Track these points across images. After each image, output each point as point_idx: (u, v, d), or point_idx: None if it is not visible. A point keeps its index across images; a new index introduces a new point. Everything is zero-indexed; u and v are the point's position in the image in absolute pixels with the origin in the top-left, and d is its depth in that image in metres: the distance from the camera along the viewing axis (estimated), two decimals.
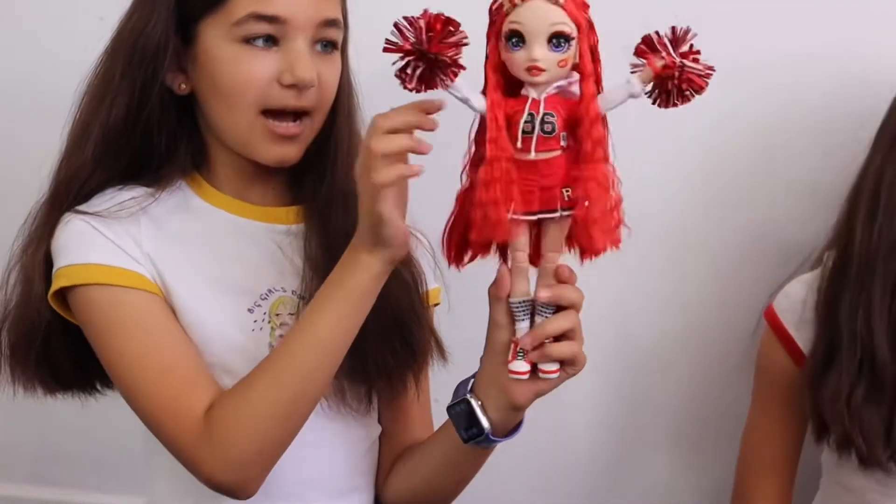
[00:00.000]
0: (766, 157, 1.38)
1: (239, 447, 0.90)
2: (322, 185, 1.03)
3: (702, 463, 1.45)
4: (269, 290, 1.02)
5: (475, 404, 0.96)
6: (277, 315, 1.02)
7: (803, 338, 1.22)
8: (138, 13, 0.99)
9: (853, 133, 1.25)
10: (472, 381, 0.98)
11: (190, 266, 0.99)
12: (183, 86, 1.00)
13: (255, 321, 1.01)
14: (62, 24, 1.44)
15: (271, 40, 0.96)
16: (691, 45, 0.86)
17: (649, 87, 0.87)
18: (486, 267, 0.93)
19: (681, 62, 0.85)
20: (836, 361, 1.15)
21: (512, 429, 0.99)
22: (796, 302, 1.23)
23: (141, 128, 0.98)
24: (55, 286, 0.96)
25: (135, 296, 0.95)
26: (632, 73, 0.87)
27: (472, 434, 0.97)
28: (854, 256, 1.15)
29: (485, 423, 0.96)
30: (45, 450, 1.56)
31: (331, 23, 0.99)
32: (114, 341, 0.95)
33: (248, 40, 0.96)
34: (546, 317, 0.91)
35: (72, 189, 0.99)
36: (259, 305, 1.01)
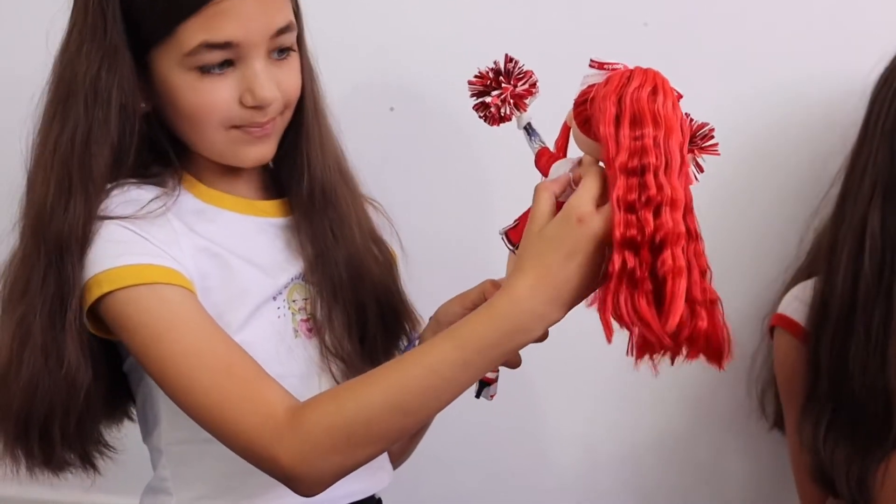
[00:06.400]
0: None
1: (326, 455, 0.88)
2: (301, 184, 1.05)
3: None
4: (288, 279, 1.04)
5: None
6: (294, 301, 1.04)
7: None
8: (87, 49, 0.96)
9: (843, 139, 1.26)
10: (418, 340, 1.08)
11: (218, 263, 1.00)
12: (143, 105, 0.99)
13: (279, 308, 1.03)
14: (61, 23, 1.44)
15: (227, 63, 0.96)
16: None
17: None
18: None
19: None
20: (816, 397, 1.19)
21: None
22: (807, 303, 1.24)
23: (132, 157, 0.98)
24: (92, 296, 0.93)
25: (180, 293, 0.94)
26: None
27: None
28: (836, 297, 1.17)
29: None
30: None
31: (283, 30, 0.98)
32: (169, 342, 0.92)
33: (204, 69, 0.95)
34: None
35: (80, 237, 0.95)
36: (280, 293, 1.04)
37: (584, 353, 1.32)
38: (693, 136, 0.87)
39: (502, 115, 0.93)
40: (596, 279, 0.84)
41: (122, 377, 1.05)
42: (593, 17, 1.37)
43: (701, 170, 0.88)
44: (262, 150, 1.01)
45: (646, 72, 0.84)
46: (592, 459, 1.48)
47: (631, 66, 0.86)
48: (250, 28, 0.95)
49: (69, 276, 0.94)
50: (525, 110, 0.94)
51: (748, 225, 1.40)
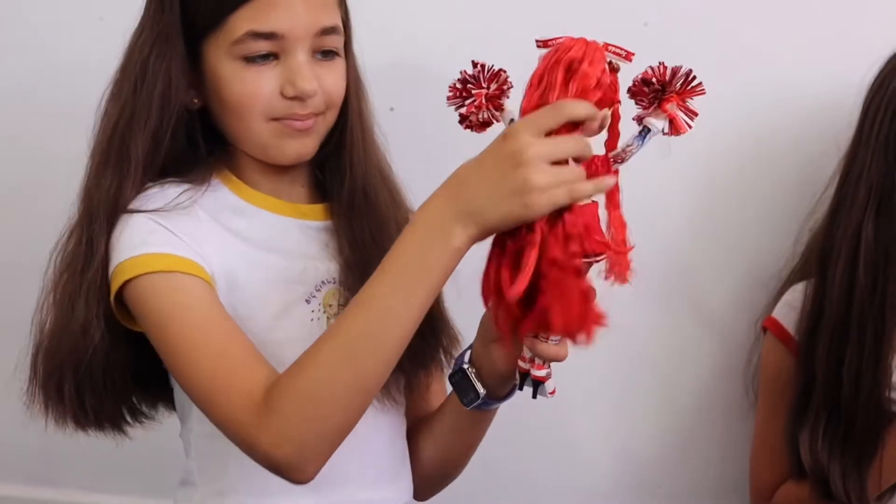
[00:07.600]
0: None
1: (297, 426, 0.87)
2: (343, 185, 1.07)
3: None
4: (322, 282, 1.05)
5: (470, 373, 1.04)
6: (330, 306, 1.06)
7: None
8: (144, 35, 1.02)
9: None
10: (469, 351, 1.05)
11: (248, 260, 1.02)
12: (196, 101, 1.04)
13: (313, 311, 1.05)
14: (61, 23, 1.45)
15: (271, 55, 1.00)
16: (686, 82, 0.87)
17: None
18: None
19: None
20: (811, 404, 1.20)
21: (509, 392, 1.05)
22: (798, 309, 1.25)
23: (167, 142, 1.02)
24: (116, 284, 0.97)
25: (193, 282, 0.97)
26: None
27: (470, 399, 1.04)
28: (831, 306, 1.19)
29: (480, 389, 1.03)
30: (45, 450, 1.56)
31: (329, 30, 1.02)
32: (174, 326, 0.95)
33: (249, 58, 1.00)
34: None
35: (108, 207, 1.00)
36: (314, 296, 1.05)
37: (585, 355, 1.33)
38: (669, 84, 0.86)
39: (482, 120, 0.92)
40: (504, 203, 0.82)
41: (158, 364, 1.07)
42: (593, 17, 1.37)
43: (693, 114, 0.86)
44: (302, 146, 1.03)
45: (569, 47, 0.85)
46: (593, 460, 1.49)
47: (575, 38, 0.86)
48: (295, 22, 0.99)
49: (93, 242, 1.00)
50: (502, 109, 0.92)
51: (744, 224, 1.41)
